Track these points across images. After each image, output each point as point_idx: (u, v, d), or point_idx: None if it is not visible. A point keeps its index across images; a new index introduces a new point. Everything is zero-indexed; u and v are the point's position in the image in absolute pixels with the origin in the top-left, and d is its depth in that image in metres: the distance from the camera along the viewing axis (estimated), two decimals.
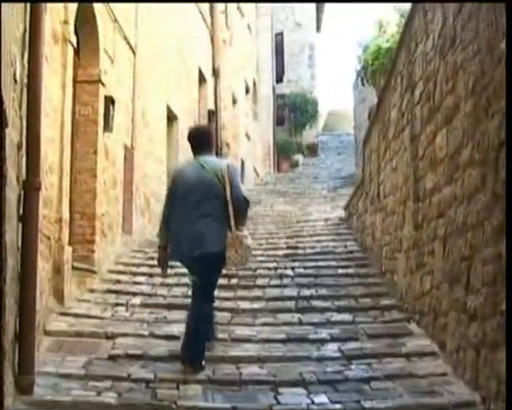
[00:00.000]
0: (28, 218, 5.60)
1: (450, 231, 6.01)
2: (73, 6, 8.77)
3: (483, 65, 4.99)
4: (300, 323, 8.17)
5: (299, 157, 30.49)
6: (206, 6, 19.29)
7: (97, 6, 9.74)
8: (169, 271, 10.18)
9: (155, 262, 10.98)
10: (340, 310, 8.55)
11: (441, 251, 6.37)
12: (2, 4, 4.50)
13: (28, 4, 6.12)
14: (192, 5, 17.51)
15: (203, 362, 6.64)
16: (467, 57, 5.43)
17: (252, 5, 27.16)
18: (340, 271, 10.50)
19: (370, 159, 11.45)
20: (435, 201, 6.58)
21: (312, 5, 34.91)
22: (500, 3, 4.55)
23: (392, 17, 16.30)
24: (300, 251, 12.09)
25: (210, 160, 7.00)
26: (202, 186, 6.77)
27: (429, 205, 6.85)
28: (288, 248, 12.38)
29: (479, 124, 5.09)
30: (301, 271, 10.59)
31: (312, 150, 32.40)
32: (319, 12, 36.14)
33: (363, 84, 17.76)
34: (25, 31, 6.00)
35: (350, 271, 10.50)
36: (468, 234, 5.42)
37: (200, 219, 6.70)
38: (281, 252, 11.93)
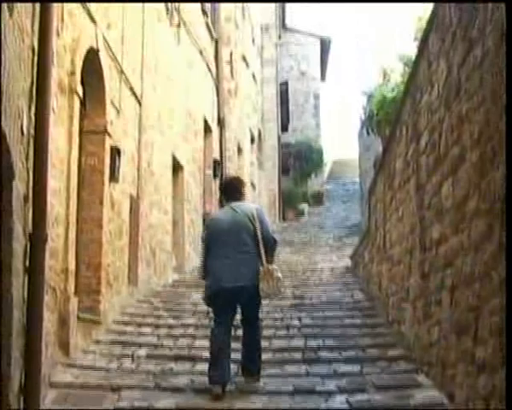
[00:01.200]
0: (34, 270, 5.60)
1: (458, 282, 5.98)
2: (80, 57, 8.85)
3: (488, 115, 5.00)
4: (307, 374, 8.10)
5: (304, 206, 30.51)
6: (211, 56, 19.49)
7: (104, 57, 9.83)
8: (175, 322, 10.32)
9: (161, 313, 11.10)
10: (347, 361, 8.47)
11: (448, 301, 6.32)
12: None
13: (36, 56, 6.18)
14: (198, 56, 17.69)
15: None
16: (471, 108, 5.44)
17: (257, 55, 27.40)
18: (347, 321, 10.43)
19: (376, 208, 11.45)
20: (442, 251, 6.55)
21: (317, 54, 35.27)
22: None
23: (396, 65, 16.46)
24: (307, 301, 12.03)
25: (240, 204, 7.90)
26: (236, 228, 7.63)
27: (436, 255, 6.82)
28: (295, 298, 12.32)
29: (484, 174, 5.09)
30: (308, 321, 10.52)
31: (318, 199, 32.44)
32: (324, 61, 36.48)
33: (368, 134, 17.87)
34: (32, 83, 6.05)
35: (357, 321, 10.43)
36: (476, 284, 5.39)
37: (237, 256, 7.51)
38: (287, 302, 11.87)
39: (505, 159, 4.49)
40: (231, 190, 8.11)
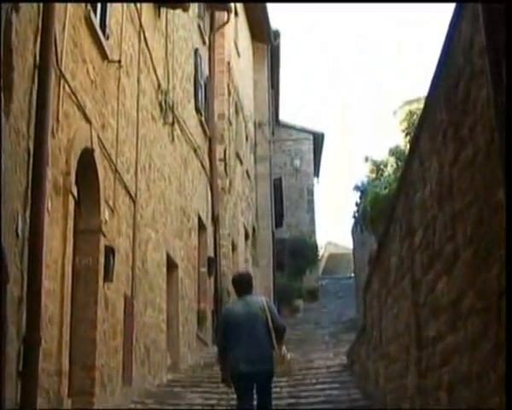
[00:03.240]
0: (28, 374, 5.54)
1: (455, 380, 5.91)
2: (75, 157, 8.92)
3: (480, 213, 5.02)
4: None
5: (299, 302, 30.34)
6: (205, 153, 19.66)
7: (98, 157, 9.91)
8: None
9: None
10: None
11: (446, 400, 6.24)
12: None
13: (31, 158, 6.22)
14: (192, 153, 17.85)
15: None
16: (464, 205, 5.47)
17: (250, 151, 27.64)
18: None
19: (372, 305, 11.39)
20: (438, 349, 6.49)
21: (310, 150, 35.63)
22: None
23: (387, 158, 16.62)
24: (303, 400, 11.87)
25: (252, 298, 9.05)
26: (250, 318, 8.65)
27: (433, 353, 6.76)
28: (291, 397, 12.16)
29: (479, 272, 5.08)
30: None
31: (313, 295, 32.31)
32: (317, 156, 36.82)
33: (361, 231, 17.91)
34: (27, 185, 6.08)
35: None
36: (473, 383, 5.33)
37: (253, 343, 8.52)
38: (283, 401, 11.71)
39: (506, 253, 4.49)
40: (242, 284, 9.18)
